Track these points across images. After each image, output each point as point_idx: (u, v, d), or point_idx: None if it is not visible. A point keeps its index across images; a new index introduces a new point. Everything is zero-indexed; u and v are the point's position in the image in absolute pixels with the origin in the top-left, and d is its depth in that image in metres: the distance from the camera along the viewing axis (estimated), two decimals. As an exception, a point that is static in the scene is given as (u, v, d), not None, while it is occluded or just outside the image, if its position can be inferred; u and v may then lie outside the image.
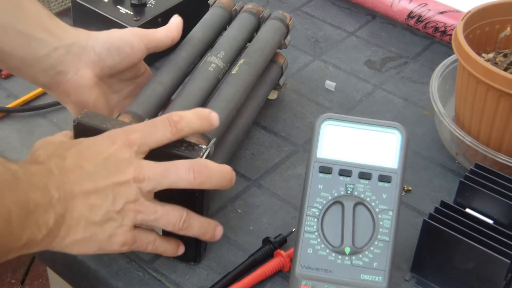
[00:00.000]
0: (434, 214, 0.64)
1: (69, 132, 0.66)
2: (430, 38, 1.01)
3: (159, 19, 0.87)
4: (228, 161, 0.69)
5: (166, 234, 0.65)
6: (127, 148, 0.60)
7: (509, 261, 0.60)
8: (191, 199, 0.63)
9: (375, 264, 0.60)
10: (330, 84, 0.92)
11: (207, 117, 0.63)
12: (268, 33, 0.82)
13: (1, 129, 0.84)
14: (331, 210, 0.62)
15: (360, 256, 0.60)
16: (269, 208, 0.74)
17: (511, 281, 0.64)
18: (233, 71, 0.75)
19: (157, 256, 0.69)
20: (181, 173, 0.60)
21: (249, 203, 0.75)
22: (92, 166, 0.59)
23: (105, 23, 0.86)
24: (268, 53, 0.81)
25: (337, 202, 0.62)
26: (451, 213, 0.64)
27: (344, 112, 0.88)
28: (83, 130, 0.64)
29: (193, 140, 0.64)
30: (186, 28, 0.77)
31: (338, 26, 1.04)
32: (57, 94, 0.72)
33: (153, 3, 0.89)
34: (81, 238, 0.59)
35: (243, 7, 0.85)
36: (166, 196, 0.61)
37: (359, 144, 0.64)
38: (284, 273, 0.68)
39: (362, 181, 0.62)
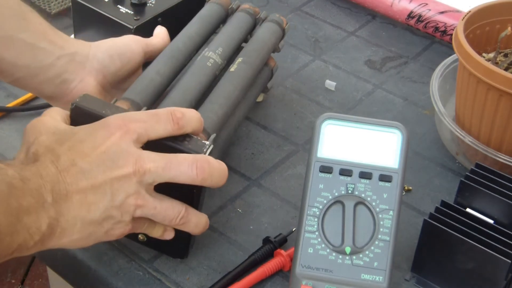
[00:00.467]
0: (435, 213, 0.64)
1: (60, 111, 0.63)
2: (430, 38, 1.01)
3: (159, 19, 0.87)
4: (220, 159, 0.69)
5: None
6: (126, 137, 0.58)
7: (509, 261, 0.60)
8: (189, 194, 0.62)
9: (375, 263, 0.60)
10: (330, 84, 0.92)
11: (202, 122, 0.63)
12: (265, 34, 0.82)
13: (1, 128, 0.84)
14: (331, 210, 0.62)
15: (361, 255, 0.60)
16: (269, 207, 0.74)
17: (512, 281, 0.64)
18: (232, 69, 0.75)
19: (157, 256, 0.69)
20: (184, 168, 0.58)
21: (249, 203, 0.75)
22: (89, 162, 0.57)
23: (105, 23, 0.86)
24: (265, 54, 0.81)
25: (337, 201, 0.62)
26: (452, 213, 0.64)
27: (344, 112, 0.88)
28: (80, 115, 0.62)
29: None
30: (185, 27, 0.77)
31: (338, 26, 1.04)
32: (62, 104, 0.71)
33: (153, 2, 0.89)
34: (78, 238, 0.58)
35: (239, 6, 0.86)
36: (164, 188, 0.60)
37: (360, 144, 0.64)
38: (284, 273, 0.68)
39: (362, 180, 0.62)
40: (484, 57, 0.80)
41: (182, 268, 0.68)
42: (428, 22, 0.99)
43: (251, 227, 0.72)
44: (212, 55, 0.75)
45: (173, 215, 0.61)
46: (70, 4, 0.92)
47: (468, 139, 0.75)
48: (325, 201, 0.62)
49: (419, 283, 0.67)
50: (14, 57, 0.69)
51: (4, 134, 0.83)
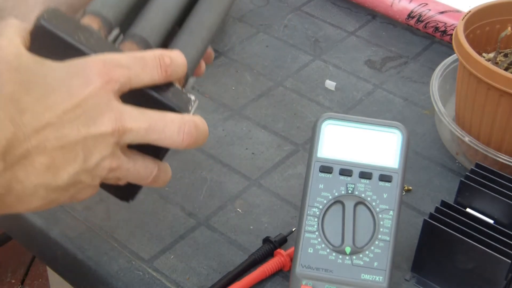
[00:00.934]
0: (435, 213, 0.64)
1: (17, 27, 0.50)
2: (430, 38, 1.01)
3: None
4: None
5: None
6: (107, 88, 0.48)
7: (509, 261, 0.60)
8: (158, 150, 0.55)
9: (375, 263, 0.60)
10: (330, 84, 0.92)
11: (186, 68, 0.54)
12: None
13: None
14: (331, 210, 0.62)
15: (361, 255, 0.60)
16: (269, 207, 0.74)
17: (512, 281, 0.64)
18: None
19: (157, 256, 0.69)
20: (170, 131, 0.51)
21: (249, 203, 0.75)
22: (60, 117, 0.47)
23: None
24: None
25: (337, 201, 0.62)
26: (452, 213, 0.64)
27: (344, 112, 0.88)
28: (45, 36, 0.50)
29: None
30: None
31: (338, 26, 1.04)
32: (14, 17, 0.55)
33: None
34: (38, 206, 0.50)
35: None
36: None
37: (360, 144, 0.64)
38: (284, 273, 0.68)
39: (362, 180, 0.62)
40: (484, 57, 0.80)
41: (182, 268, 0.68)
42: (428, 22, 0.99)
43: (251, 227, 0.72)
44: None
45: (145, 175, 0.53)
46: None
47: (468, 139, 0.75)
48: (325, 201, 0.62)
49: (419, 283, 0.67)
50: None
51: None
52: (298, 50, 0.99)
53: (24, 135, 0.46)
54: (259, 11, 1.06)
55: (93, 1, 0.55)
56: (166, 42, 0.57)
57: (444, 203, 0.66)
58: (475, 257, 0.62)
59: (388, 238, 0.61)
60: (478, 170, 0.68)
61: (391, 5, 1.02)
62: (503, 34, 0.77)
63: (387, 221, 0.61)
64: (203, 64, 0.62)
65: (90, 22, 0.53)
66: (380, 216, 0.61)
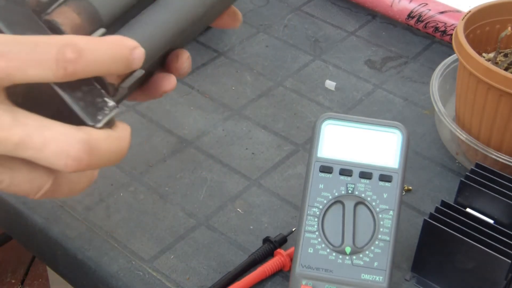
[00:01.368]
0: (435, 213, 0.64)
1: None
2: (430, 38, 1.01)
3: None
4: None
5: None
6: None
7: (509, 261, 0.60)
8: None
9: (375, 263, 0.60)
10: (330, 84, 0.92)
11: (127, 57, 0.39)
12: None
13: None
14: (331, 210, 0.62)
15: (361, 255, 0.60)
16: (269, 207, 0.74)
17: (512, 281, 0.64)
18: None
19: (157, 256, 0.69)
20: (49, 153, 0.38)
21: (249, 203, 0.75)
22: None
23: None
24: None
25: (337, 201, 0.62)
26: (452, 213, 0.64)
27: (344, 112, 0.88)
28: None
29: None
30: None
31: (338, 26, 1.04)
32: None
33: None
34: None
35: None
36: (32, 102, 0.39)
37: (360, 144, 0.64)
38: (284, 273, 0.68)
39: (362, 180, 0.62)
40: (484, 57, 0.80)
41: (182, 268, 0.68)
42: (428, 22, 0.99)
43: (251, 227, 0.72)
44: None
45: (30, 190, 0.41)
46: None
47: (468, 139, 0.75)
48: (325, 201, 0.62)
49: (419, 283, 0.67)
50: None
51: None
52: (298, 50, 0.99)
53: None
54: (259, 11, 1.06)
55: None
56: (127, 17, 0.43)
57: (444, 203, 0.66)
58: (475, 257, 0.62)
59: (388, 238, 0.61)
60: (478, 170, 0.68)
61: (391, 5, 1.02)
62: (503, 34, 0.77)
63: (387, 221, 0.61)
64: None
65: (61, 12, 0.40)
66: (380, 216, 0.61)
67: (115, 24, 0.41)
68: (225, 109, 0.88)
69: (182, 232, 0.71)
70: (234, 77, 0.93)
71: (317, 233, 0.61)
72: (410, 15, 1.00)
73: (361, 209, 0.62)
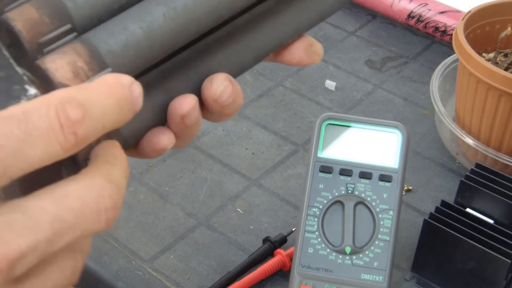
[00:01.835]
0: (435, 213, 0.64)
1: None
2: (430, 38, 1.01)
3: None
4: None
5: None
6: None
7: (509, 261, 0.60)
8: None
9: (375, 263, 0.60)
10: (330, 84, 0.92)
11: (129, 98, 0.29)
12: None
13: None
14: (331, 210, 0.62)
15: (361, 255, 0.60)
16: (269, 207, 0.74)
17: (512, 281, 0.64)
18: None
19: (157, 256, 0.69)
20: (87, 220, 0.29)
21: (249, 203, 0.75)
22: None
23: None
24: None
25: (337, 201, 0.62)
26: (452, 213, 0.64)
27: (344, 112, 0.88)
28: None
29: None
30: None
31: (338, 26, 1.04)
32: None
33: None
34: None
35: None
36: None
37: (360, 144, 0.64)
38: (284, 273, 0.68)
39: (362, 180, 0.62)
40: (484, 57, 0.80)
41: (182, 268, 0.68)
42: (428, 22, 0.99)
43: (251, 227, 0.72)
44: None
45: None
46: None
47: (468, 139, 0.75)
48: (325, 201, 0.62)
49: (419, 283, 0.67)
50: None
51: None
52: (298, 50, 0.99)
53: None
54: (259, 11, 1.06)
55: None
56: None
57: (444, 203, 0.66)
58: (475, 257, 0.62)
59: (388, 238, 0.61)
60: (478, 170, 0.68)
61: (391, 5, 1.02)
62: (503, 34, 0.77)
63: (387, 221, 0.61)
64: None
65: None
66: (380, 216, 0.61)
67: (94, 23, 0.32)
68: (225, 109, 0.88)
69: (182, 232, 0.71)
70: (234, 77, 0.93)
71: (317, 233, 0.61)
72: (410, 15, 1.00)
73: (361, 209, 0.62)
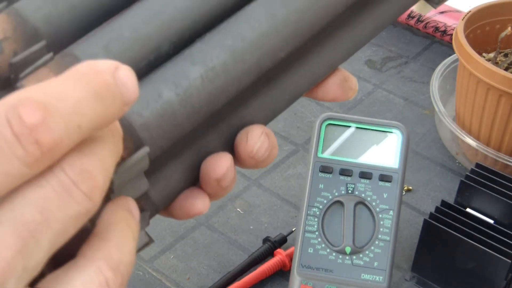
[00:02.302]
0: (435, 213, 0.64)
1: None
2: (430, 38, 1.01)
3: None
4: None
5: None
6: None
7: (509, 261, 0.60)
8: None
9: (375, 263, 0.60)
10: (330, 84, 0.92)
11: (112, 85, 0.22)
12: None
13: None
14: (331, 210, 0.62)
15: (361, 255, 0.60)
16: (269, 207, 0.74)
17: (512, 281, 0.64)
18: None
19: (157, 256, 0.69)
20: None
21: (249, 203, 0.75)
22: None
23: None
24: None
25: (337, 201, 0.62)
26: (452, 213, 0.64)
27: (345, 112, 0.88)
28: None
29: None
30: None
31: (338, 25, 1.04)
32: None
33: None
34: None
35: None
36: None
37: (360, 144, 0.64)
38: (284, 273, 0.68)
39: (362, 180, 0.62)
40: (484, 57, 0.80)
41: (182, 268, 0.68)
42: (428, 22, 0.99)
43: (251, 227, 0.72)
44: None
45: None
46: None
47: (468, 139, 0.75)
48: (325, 201, 0.62)
49: (419, 283, 0.67)
50: None
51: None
52: (298, 50, 0.99)
53: None
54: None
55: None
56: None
57: (444, 203, 0.66)
58: (475, 257, 0.62)
59: (388, 238, 0.61)
60: (478, 170, 0.68)
61: (391, 5, 1.02)
62: (503, 34, 0.77)
63: (387, 221, 0.61)
64: None
65: None
66: (380, 216, 0.61)
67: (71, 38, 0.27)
68: (225, 109, 0.88)
69: (182, 232, 0.71)
70: (234, 77, 0.93)
71: (317, 233, 0.61)
72: (410, 15, 1.00)
73: (361, 209, 0.62)
